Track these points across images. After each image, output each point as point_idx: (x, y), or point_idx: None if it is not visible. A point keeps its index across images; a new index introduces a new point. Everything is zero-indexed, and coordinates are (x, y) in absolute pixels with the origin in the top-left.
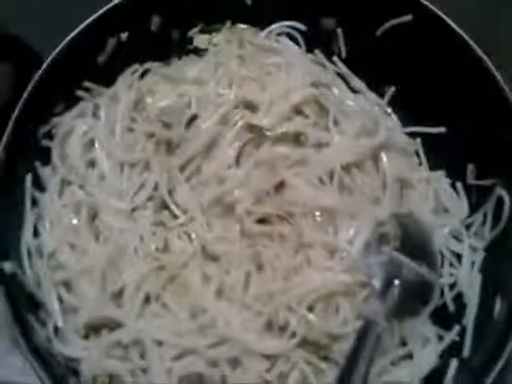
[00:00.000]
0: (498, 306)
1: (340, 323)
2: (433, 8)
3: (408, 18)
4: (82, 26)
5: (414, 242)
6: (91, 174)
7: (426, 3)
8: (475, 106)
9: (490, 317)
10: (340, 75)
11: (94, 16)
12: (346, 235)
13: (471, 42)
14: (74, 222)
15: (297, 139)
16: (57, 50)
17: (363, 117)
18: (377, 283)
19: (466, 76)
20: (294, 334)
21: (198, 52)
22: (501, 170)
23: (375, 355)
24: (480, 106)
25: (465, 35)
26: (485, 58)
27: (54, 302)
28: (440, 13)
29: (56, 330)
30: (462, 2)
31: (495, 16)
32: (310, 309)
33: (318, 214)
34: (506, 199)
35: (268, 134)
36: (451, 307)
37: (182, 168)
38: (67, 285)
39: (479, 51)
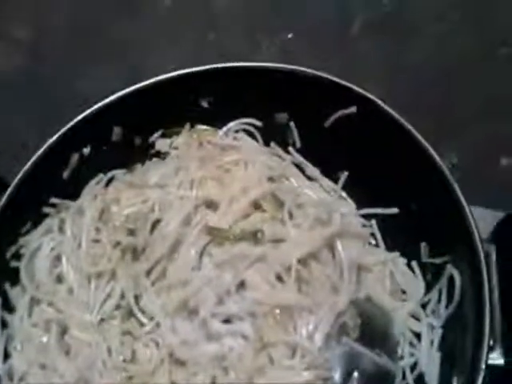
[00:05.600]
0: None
1: None
2: (374, 99)
3: (352, 109)
4: (45, 146)
5: (373, 329)
6: (59, 289)
7: (368, 95)
8: (420, 187)
9: None
10: (296, 165)
11: (57, 135)
12: (305, 331)
13: (410, 127)
14: (44, 340)
15: (255, 236)
16: (22, 171)
17: (317, 207)
18: (336, 376)
19: (410, 161)
20: None
21: (161, 155)
22: (450, 248)
23: None
24: (425, 188)
25: (403, 122)
26: (425, 144)
27: None
28: (381, 103)
29: None
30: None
31: None
32: None
33: (277, 311)
34: (457, 277)
35: (227, 233)
36: None
37: (148, 273)
38: None
39: (418, 136)
